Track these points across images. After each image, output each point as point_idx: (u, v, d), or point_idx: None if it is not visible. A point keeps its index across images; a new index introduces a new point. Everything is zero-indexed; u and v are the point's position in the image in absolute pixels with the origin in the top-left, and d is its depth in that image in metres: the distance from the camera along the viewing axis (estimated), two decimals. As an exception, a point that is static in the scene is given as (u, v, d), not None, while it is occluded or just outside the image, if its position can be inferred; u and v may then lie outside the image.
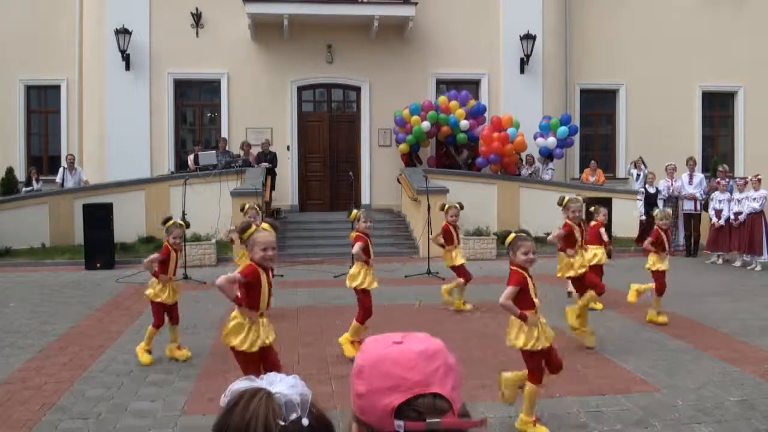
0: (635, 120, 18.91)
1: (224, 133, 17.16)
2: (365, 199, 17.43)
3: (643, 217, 14.25)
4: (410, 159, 16.96)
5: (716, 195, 13.51)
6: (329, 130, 17.77)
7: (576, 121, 17.77)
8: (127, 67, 16.87)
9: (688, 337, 7.38)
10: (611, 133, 19.50)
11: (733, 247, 13.10)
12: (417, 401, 1.06)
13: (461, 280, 8.82)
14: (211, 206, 13.69)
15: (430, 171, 15.59)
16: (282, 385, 1.06)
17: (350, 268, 7.09)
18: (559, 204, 7.40)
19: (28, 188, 16.13)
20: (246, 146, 16.10)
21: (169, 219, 6.82)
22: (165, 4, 16.93)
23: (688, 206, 14.31)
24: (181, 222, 6.86)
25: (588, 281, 7.30)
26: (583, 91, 19.00)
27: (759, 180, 12.91)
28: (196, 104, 18.19)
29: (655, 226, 8.25)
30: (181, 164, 17.20)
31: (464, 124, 16.10)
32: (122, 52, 16.64)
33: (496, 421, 4.93)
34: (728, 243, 13.14)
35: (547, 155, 16.85)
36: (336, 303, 9.28)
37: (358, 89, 17.79)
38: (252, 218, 8.07)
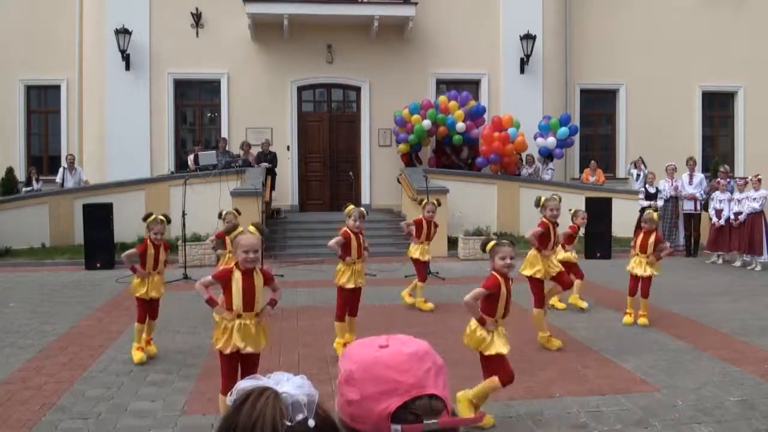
0: (635, 120, 18.91)
1: (224, 133, 17.16)
2: (365, 199, 17.43)
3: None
4: (410, 159, 16.96)
5: (716, 195, 13.50)
6: (329, 130, 17.77)
7: (576, 121, 17.76)
8: (127, 67, 16.87)
9: (688, 337, 7.38)
10: (611, 133, 19.50)
11: (733, 247, 13.09)
12: (414, 404, 1.05)
13: (419, 282, 8.92)
14: (211, 206, 13.67)
15: (430, 171, 15.59)
16: (289, 385, 1.05)
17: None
18: (536, 205, 7.33)
19: (28, 188, 16.13)
20: (246, 146, 16.10)
21: (150, 215, 6.86)
22: (165, 4, 16.93)
23: (688, 206, 14.31)
24: (162, 217, 6.87)
25: (558, 279, 7.27)
26: (583, 91, 19.00)
27: (759, 180, 12.91)
28: (196, 104, 18.19)
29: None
30: (181, 164, 17.20)
31: (461, 126, 16.08)
32: (122, 52, 16.64)
33: (496, 418, 4.93)
34: (728, 243, 13.14)
35: (547, 155, 16.85)
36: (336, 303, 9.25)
37: (358, 89, 17.79)
38: (230, 223, 8.16)
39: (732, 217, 12.94)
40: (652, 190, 14.52)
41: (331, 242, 6.87)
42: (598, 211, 13.96)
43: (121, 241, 13.69)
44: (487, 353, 4.70)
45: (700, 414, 5.04)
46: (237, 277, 4.56)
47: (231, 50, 17.13)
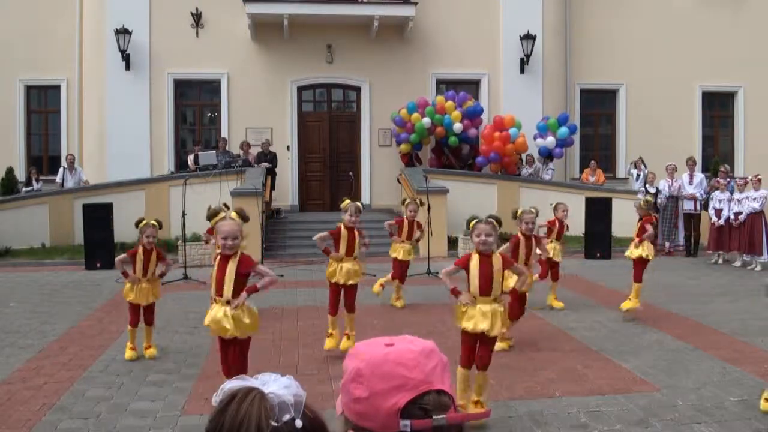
0: (635, 120, 18.91)
1: (224, 133, 17.15)
2: (365, 199, 17.41)
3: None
4: (410, 159, 16.96)
5: (716, 195, 13.51)
6: (329, 130, 17.77)
7: (576, 121, 17.76)
8: (127, 67, 16.86)
9: (688, 337, 7.39)
10: (611, 133, 19.50)
11: (733, 247, 13.10)
12: (423, 399, 1.06)
13: (394, 279, 9.02)
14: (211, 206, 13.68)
15: (430, 171, 15.59)
16: (275, 385, 1.05)
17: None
18: (513, 217, 7.10)
19: (28, 188, 16.12)
20: (246, 146, 16.10)
21: (141, 220, 6.88)
22: (165, 4, 16.93)
23: (688, 206, 14.31)
24: (155, 222, 6.85)
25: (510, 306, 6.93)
26: (583, 91, 18.99)
27: (759, 180, 12.91)
28: (196, 104, 18.19)
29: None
30: (181, 164, 17.19)
31: (457, 126, 16.07)
32: (122, 52, 16.63)
33: (496, 418, 4.93)
34: (728, 243, 13.14)
35: (547, 155, 16.86)
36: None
37: (358, 89, 17.79)
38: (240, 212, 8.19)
39: (732, 217, 12.94)
40: (652, 190, 14.51)
41: (317, 236, 6.90)
42: (598, 211, 13.98)
43: (121, 241, 13.68)
44: (460, 327, 4.88)
45: (700, 414, 5.04)
46: (217, 262, 4.74)
47: (231, 50, 17.12)
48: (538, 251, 7.81)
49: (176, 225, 12.89)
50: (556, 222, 9.18)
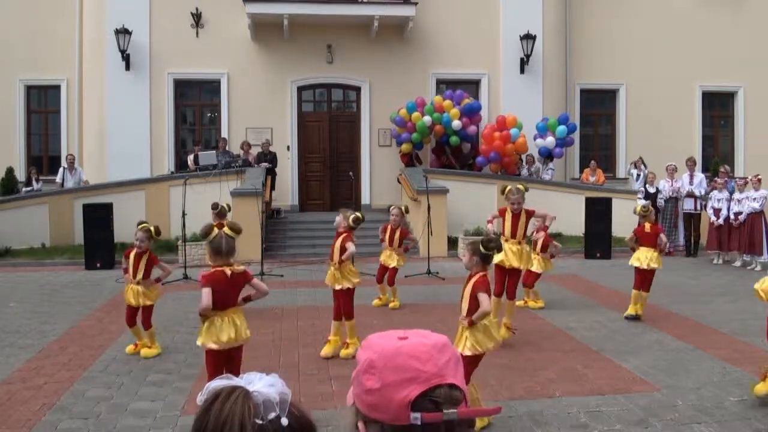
0: (635, 120, 18.91)
1: (224, 133, 17.15)
2: (365, 199, 17.43)
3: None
4: (411, 159, 16.96)
5: (714, 194, 13.53)
6: (329, 130, 17.76)
7: (576, 121, 17.76)
8: (127, 67, 16.86)
9: (688, 337, 7.39)
10: (611, 133, 19.50)
11: (733, 247, 13.10)
12: (435, 392, 1.06)
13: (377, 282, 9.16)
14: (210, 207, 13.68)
15: (430, 171, 15.60)
16: (260, 383, 1.05)
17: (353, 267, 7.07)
18: (502, 192, 7.55)
19: (28, 188, 16.12)
20: (246, 146, 16.10)
21: (141, 222, 7.03)
22: (165, 4, 16.92)
23: (688, 206, 14.32)
24: (148, 227, 6.89)
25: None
26: (583, 91, 18.99)
27: (759, 180, 12.92)
28: (196, 104, 18.19)
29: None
30: (181, 164, 17.19)
31: (457, 123, 16.09)
32: (122, 52, 16.63)
33: (496, 418, 4.93)
34: (728, 242, 13.15)
35: (547, 155, 16.87)
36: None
37: (358, 89, 17.79)
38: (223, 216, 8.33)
39: (732, 217, 12.95)
40: (652, 190, 14.52)
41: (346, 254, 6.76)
42: (598, 211, 13.99)
43: (121, 241, 13.67)
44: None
45: (700, 414, 5.05)
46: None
47: (231, 50, 17.12)
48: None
49: (176, 225, 12.89)
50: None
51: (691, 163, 14.55)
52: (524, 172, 16.78)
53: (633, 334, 7.57)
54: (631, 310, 8.20)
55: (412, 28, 17.17)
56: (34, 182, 16.23)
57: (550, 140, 16.56)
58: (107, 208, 13.05)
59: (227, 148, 16.36)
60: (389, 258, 9.08)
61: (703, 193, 14.23)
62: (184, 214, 11.99)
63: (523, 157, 16.89)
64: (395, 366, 1.07)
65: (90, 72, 17.42)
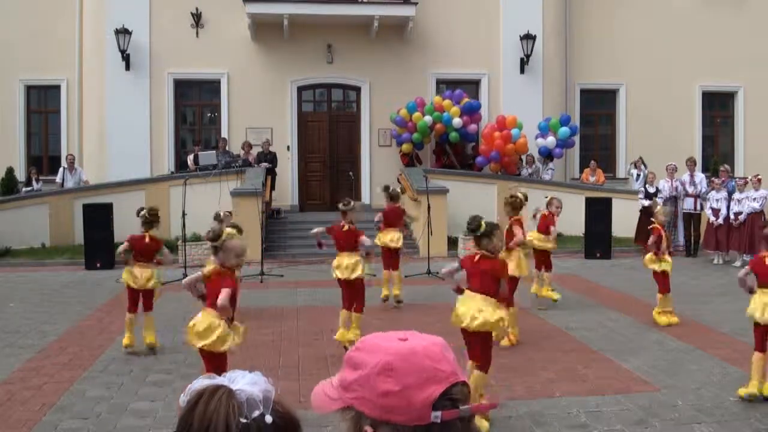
0: (635, 120, 18.90)
1: (224, 133, 17.15)
2: (365, 199, 17.41)
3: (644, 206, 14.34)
4: (411, 160, 16.95)
5: (713, 194, 13.54)
6: (329, 130, 17.76)
7: (576, 121, 17.76)
8: (127, 67, 16.86)
9: (688, 337, 7.39)
10: (611, 133, 19.49)
11: (733, 247, 13.10)
12: (452, 390, 1.08)
13: (387, 269, 9.21)
14: (211, 206, 13.65)
15: (430, 171, 15.59)
16: (243, 381, 1.04)
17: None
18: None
19: (28, 188, 16.12)
20: (246, 146, 16.10)
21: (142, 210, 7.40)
22: (165, 4, 16.92)
23: (688, 206, 14.32)
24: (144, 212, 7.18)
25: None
26: (583, 91, 18.98)
27: (759, 180, 12.92)
28: (196, 104, 18.19)
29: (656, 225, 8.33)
30: (181, 164, 17.19)
31: (457, 121, 16.10)
32: (122, 52, 16.63)
33: (496, 418, 4.93)
34: (726, 242, 13.16)
35: (547, 155, 16.87)
36: (336, 303, 9.26)
37: (358, 89, 17.79)
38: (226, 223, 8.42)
39: (732, 217, 12.95)
40: (652, 190, 14.52)
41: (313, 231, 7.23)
42: (598, 211, 13.98)
43: (121, 241, 13.68)
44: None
45: (700, 414, 5.05)
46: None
47: (231, 50, 17.11)
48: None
49: (176, 225, 12.88)
50: (548, 217, 9.04)
51: (691, 163, 14.55)
52: (524, 172, 16.78)
53: (633, 334, 7.57)
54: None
55: (412, 28, 17.17)
56: (34, 182, 16.23)
57: (550, 140, 16.57)
58: (107, 208, 13.05)
59: (227, 148, 16.36)
60: (393, 240, 9.13)
61: (702, 191, 14.23)
62: (184, 214, 11.99)
63: (523, 157, 16.89)
64: (415, 367, 1.07)
65: (90, 72, 17.42)
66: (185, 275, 11.25)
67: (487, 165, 16.35)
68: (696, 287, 10.65)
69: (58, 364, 6.43)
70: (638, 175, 16.50)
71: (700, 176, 14.61)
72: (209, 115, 18.15)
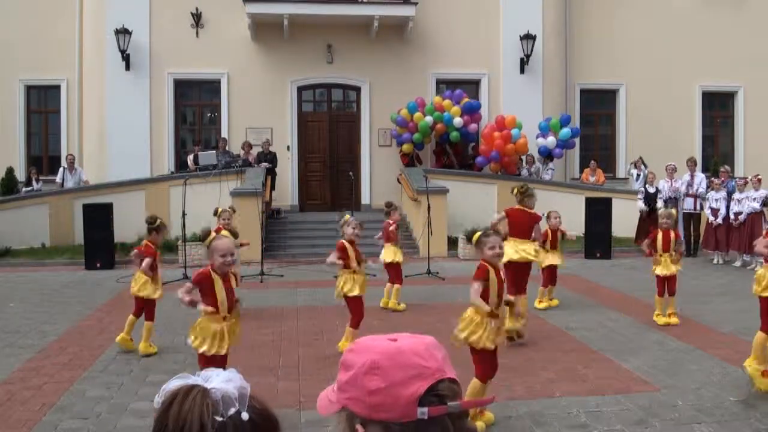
0: (635, 120, 18.91)
1: (224, 133, 17.15)
2: (365, 199, 17.43)
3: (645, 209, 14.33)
4: (411, 160, 16.95)
5: (712, 194, 13.54)
6: (329, 130, 17.77)
7: (576, 121, 17.76)
8: (127, 67, 16.86)
9: (688, 337, 7.39)
10: (611, 133, 19.50)
11: (732, 247, 13.11)
12: (439, 386, 1.08)
13: (394, 284, 9.04)
14: (211, 206, 13.64)
15: (430, 171, 15.59)
16: (218, 380, 1.04)
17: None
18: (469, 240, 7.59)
19: (28, 188, 16.12)
20: (246, 146, 16.10)
21: (155, 219, 7.11)
22: (165, 4, 16.92)
23: (688, 206, 14.32)
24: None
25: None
26: (583, 91, 18.99)
27: (759, 180, 12.92)
28: (196, 104, 18.19)
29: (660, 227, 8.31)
30: (181, 164, 17.19)
31: (458, 121, 16.11)
32: (122, 52, 16.63)
33: (496, 418, 4.93)
34: (726, 242, 13.16)
35: (547, 155, 16.87)
36: (336, 303, 9.26)
37: (358, 89, 17.79)
38: (226, 220, 8.42)
39: (732, 217, 12.95)
40: (651, 190, 14.53)
41: (330, 259, 6.87)
42: (598, 211, 13.99)
43: (121, 241, 13.70)
44: (477, 347, 4.82)
45: (700, 414, 5.05)
46: (219, 282, 4.69)
47: (231, 50, 17.12)
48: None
49: (176, 225, 12.88)
50: (548, 232, 9.06)
51: (691, 164, 14.55)
52: (524, 172, 16.78)
53: (633, 334, 7.57)
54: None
55: (412, 28, 17.17)
56: (34, 182, 16.23)
57: (551, 140, 16.57)
58: (107, 208, 13.06)
59: (227, 148, 16.36)
60: (391, 254, 9.10)
61: (702, 191, 14.23)
62: (184, 215, 11.99)
63: (523, 157, 16.89)
64: (400, 364, 1.09)
65: (90, 72, 17.42)
66: (186, 276, 11.28)
67: (487, 165, 16.35)
68: (696, 287, 10.64)
69: (58, 364, 6.43)
70: (638, 175, 16.50)
71: (700, 176, 14.61)
72: (209, 115, 18.15)
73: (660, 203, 14.13)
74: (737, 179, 13.86)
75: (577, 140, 17.58)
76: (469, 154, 17.32)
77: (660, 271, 8.05)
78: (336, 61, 17.45)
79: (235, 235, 4.53)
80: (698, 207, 14.24)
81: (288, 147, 17.24)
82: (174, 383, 1.05)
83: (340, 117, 18.00)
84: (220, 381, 1.04)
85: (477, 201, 15.29)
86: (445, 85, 17.88)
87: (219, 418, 1.00)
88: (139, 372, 6.20)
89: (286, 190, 17.17)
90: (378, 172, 17.52)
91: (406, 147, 16.69)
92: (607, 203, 14.22)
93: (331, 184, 17.61)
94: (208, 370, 1.08)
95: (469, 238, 5.10)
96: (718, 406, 5.20)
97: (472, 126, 16.59)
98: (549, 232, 8.98)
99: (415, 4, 16.81)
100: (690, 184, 14.25)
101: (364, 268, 7.00)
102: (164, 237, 7.03)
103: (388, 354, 1.10)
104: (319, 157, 17.68)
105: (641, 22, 18.62)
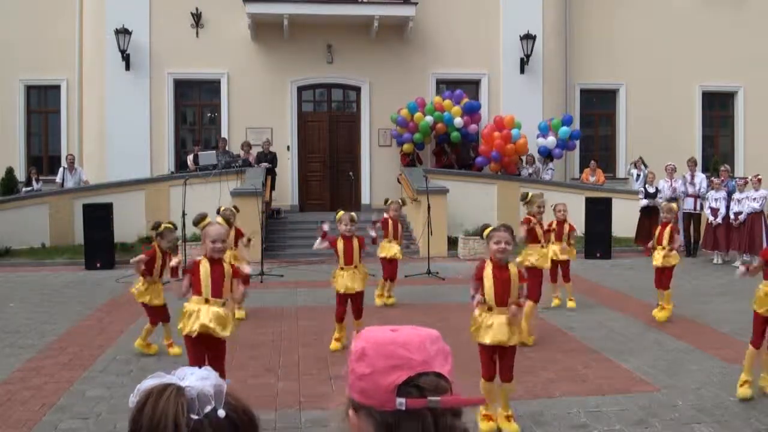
0: (635, 120, 18.91)
1: (224, 133, 17.15)
2: (365, 199, 17.42)
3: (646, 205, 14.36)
4: (411, 160, 16.95)
5: (711, 194, 13.55)
6: (329, 130, 17.76)
7: (576, 121, 17.76)
8: (127, 67, 16.86)
9: (688, 337, 7.39)
10: (611, 133, 19.49)
11: (732, 247, 13.10)
12: (420, 379, 1.08)
13: (386, 279, 9.17)
14: (211, 206, 13.62)
15: (430, 171, 15.59)
16: (192, 377, 1.04)
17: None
18: (522, 199, 7.78)
19: (28, 188, 16.12)
20: (246, 146, 16.11)
21: (160, 224, 7.11)
22: (165, 4, 16.92)
23: (688, 206, 14.32)
24: (171, 225, 7.07)
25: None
26: (583, 91, 18.99)
27: (759, 180, 12.92)
28: (196, 104, 18.18)
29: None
30: (181, 164, 17.19)
31: (458, 121, 16.11)
32: (122, 52, 16.63)
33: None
34: (726, 242, 13.16)
35: (547, 155, 16.87)
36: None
37: (358, 89, 17.78)
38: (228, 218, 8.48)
39: (732, 217, 12.95)
40: (651, 190, 14.53)
41: (316, 245, 7.12)
42: (598, 211, 13.98)
43: (121, 241, 13.70)
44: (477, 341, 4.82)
45: (700, 414, 5.05)
46: (206, 265, 4.84)
47: (231, 50, 17.11)
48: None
49: (176, 225, 12.86)
50: (553, 223, 9.05)
51: (691, 164, 14.55)
52: (524, 172, 16.78)
53: (633, 334, 7.57)
54: None
55: (412, 28, 17.17)
56: (34, 182, 16.23)
57: (551, 140, 16.57)
58: (107, 208, 13.05)
59: (227, 148, 16.35)
60: (388, 249, 9.14)
61: (702, 192, 14.23)
62: (184, 215, 11.97)
63: (523, 157, 16.89)
64: (385, 353, 1.10)
65: (90, 72, 17.42)
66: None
67: (487, 165, 16.36)
68: (696, 287, 10.65)
69: (58, 364, 6.43)
70: (638, 175, 16.50)
71: (700, 176, 14.61)
72: (209, 115, 18.15)
73: (660, 203, 14.16)
74: (737, 179, 13.85)
75: (577, 142, 17.58)
76: (468, 155, 17.30)
77: (655, 263, 8.17)
78: (336, 61, 17.45)
79: (228, 221, 4.65)
80: (698, 207, 14.24)
81: (288, 147, 17.24)
82: (148, 382, 1.05)
83: (340, 117, 18.00)
84: (195, 379, 1.03)
85: (477, 201, 15.29)
86: (445, 85, 17.88)
87: (195, 416, 0.99)
88: (139, 372, 6.20)
89: (286, 190, 17.17)
90: (378, 172, 17.52)
91: (406, 147, 16.69)
92: (607, 203, 14.22)
93: (331, 184, 17.60)
94: (184, 368, 1.08)
95: (481, 233, 5.07)
96: (718, 406, 5.20)
97: (472, 126, 16.59)
98: (555, 223, 8.90)
99: (415, 4, 16.81)
100: (691, 184, 14.25)
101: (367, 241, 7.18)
102: (171, 240, 7.00)
103: (376, 343, 1.12)
104: (319, 157, 17.68)
105: (641, 22, 18.62)
